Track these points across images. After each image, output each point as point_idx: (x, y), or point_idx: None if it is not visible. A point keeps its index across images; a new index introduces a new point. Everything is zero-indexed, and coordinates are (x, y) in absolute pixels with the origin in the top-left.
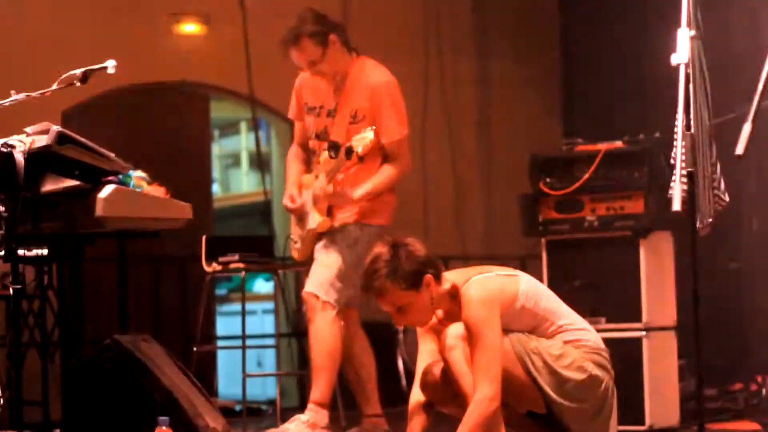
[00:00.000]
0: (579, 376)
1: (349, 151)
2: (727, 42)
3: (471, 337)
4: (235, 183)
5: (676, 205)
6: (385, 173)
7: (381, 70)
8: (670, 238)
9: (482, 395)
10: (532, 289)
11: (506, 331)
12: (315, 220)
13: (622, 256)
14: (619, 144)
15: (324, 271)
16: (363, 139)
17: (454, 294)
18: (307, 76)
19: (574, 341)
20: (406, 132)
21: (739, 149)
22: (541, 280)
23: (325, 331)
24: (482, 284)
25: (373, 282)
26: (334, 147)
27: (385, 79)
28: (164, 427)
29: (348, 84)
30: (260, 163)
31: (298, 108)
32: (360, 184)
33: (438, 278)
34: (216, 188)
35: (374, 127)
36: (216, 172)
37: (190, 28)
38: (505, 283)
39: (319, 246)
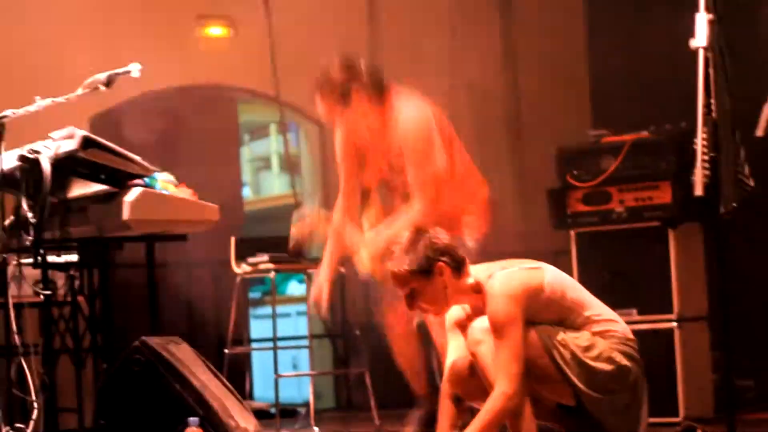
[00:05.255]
0: (608, 367)
1: None
2: (754, 29)
3: (494, 333)
4: (266, 186)
5: (698, 191)
6: (405, 216)
7: (409, 109)
8: (699, 227)
9: (500, 391)
10: (557, 281)
11: (533, 323)
12: (366, 264)
13: (652, 246)
14: (645, 134)
15: None
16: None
17: (479, 289)
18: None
19: (603, 332)
20: (432, 169)
21: (760, 130)
22: (570, 273)
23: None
24: (506, 279)
25: (387, 262)
26: (365, 194)
27: (412, 116)
28: (194, 428)
29: (379, 127)
30: (290, 165)
31: (344, 154)
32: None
33: (458, 270)
34: (247, 191)
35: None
36: (247, 176)
37: (216, 31)
38: (529, 277)
39: None
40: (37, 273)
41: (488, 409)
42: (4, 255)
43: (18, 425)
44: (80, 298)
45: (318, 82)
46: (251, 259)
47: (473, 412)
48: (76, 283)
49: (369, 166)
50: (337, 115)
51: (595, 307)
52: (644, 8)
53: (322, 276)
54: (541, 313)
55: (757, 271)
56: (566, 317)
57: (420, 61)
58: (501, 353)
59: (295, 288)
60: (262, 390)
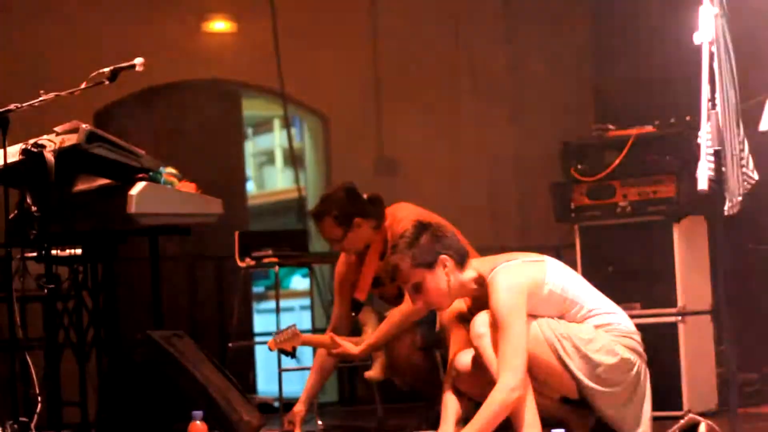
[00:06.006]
0: (610, 359)
1: None
2: (757, 24)
3: (497, 326)
4: (270, 180)
5: (702, 185)
6: (392, 319)
7: (401, 212)
8: (704, 221)
9: (503, 384)
10: (559, 274)
11: (535, 316)
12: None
13: (656, 241)
14: (650, 128)
15: None
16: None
17: (481, 282)
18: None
19: (605, 325)
20: None
21: (763, 125)
22: (574, 267)
23: None
24: (508, 272)
25: (391, 256)
26: (356, 307)
27: (404, 215)
28: (198, 422)
29: (377, 247)
30: (293, 160)
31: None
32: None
33: (460, 263)
34: (251, 186)
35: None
36: (251, 170)
37: (220, 26)
38: (531, 270)
39: None
40: (41, 267)
41: (491, 401)
42: (9, 249)
43: (22, 419)
44: (84, 293)
45: (321, 209)
46: (255, 253)
47: (477, 405)
48: (80, 277)
49: (362, 280)
50: (338, 242)
51: (598, 300)
52: (649, 1)
53: (297, 407)
54: (543, 307)
55: (760, 265)
56: (568, 310)
57: (423, 55)
58: (503, 346)
59: (298, 282)
60: (266, 384)
